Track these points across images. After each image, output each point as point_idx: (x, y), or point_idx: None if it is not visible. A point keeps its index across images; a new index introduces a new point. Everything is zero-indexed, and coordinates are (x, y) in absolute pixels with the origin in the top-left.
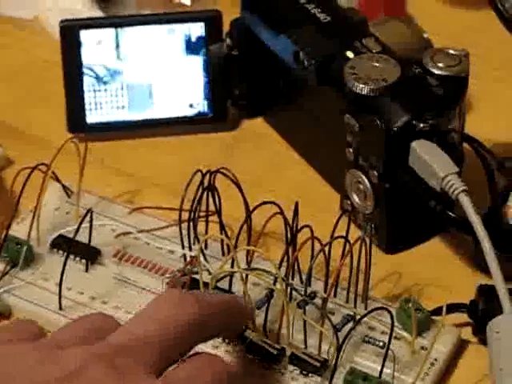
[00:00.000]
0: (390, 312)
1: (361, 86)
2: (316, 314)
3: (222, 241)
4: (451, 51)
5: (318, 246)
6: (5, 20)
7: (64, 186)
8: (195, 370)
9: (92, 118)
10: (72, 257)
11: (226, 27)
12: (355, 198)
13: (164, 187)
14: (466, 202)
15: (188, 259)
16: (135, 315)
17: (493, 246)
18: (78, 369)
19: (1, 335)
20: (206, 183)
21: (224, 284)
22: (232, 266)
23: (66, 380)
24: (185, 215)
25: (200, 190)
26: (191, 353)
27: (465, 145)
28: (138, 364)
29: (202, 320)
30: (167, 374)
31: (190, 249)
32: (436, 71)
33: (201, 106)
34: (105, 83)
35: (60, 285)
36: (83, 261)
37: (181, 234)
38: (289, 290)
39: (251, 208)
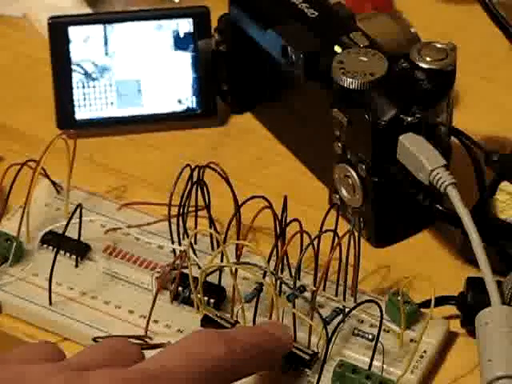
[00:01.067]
0: (378, 305)
1: (348, 80)
2: (305, 307)
3: (212, 235)
4: (438, 45)
5: (306, 240)
6: None
7: (53, 182)
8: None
9: (81, 114)
10: (62, 252)
11: (214, 23)
12: (344, 192)
13: (153, 183)
14: (454, 194)
15: (177, 254)
16: (167, 347)
17: (481, 239)
18: None
19: (23, 355)
20: (195, 178)
21: (214, 278)
22: (221, 261)
23: None
24: (174, 210)
25: (189, 185)
26: None
27: (452, 138)
28: None
29: (230, 364)
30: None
31: (180, 243)
32: (423, 65)
33: (189, 101)
34: (93, 79)
35: (50, 280)
36: (73, 256)
37: (170, 228)
38: (278, 283)
39: (240, 202)
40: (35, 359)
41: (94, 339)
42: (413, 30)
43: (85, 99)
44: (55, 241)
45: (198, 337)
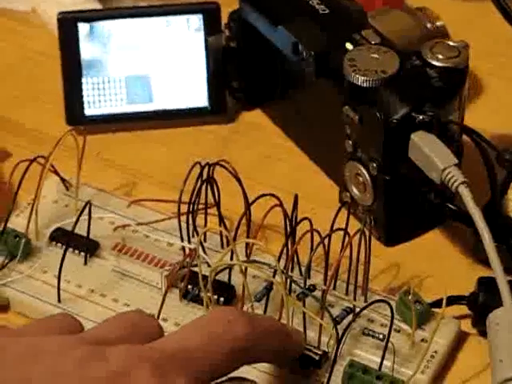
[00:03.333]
0: (389, 304)
1: (360, 77)
2: (315, 306)
3: (221, 233)
4: (450, 43)
5: (317, 239)
6: (1, 12)
7: (62, 179)
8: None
9: (90, 110)
10: (71, 249)
11: (224, 19)
12: (354, 191)
13: (162, 180)
14: (465, 193)
15: (187, 252)
16: (185, 326)
17: (493, 238)
18: (124, 369)
19: (40, 327)
20: (204, 175)
21: (223, 277)
22: (231, 259)
23: (112, 379)
24: (184, 208)
25: (199, 183)
26: (234, 375)
27: (464, 137)
28: (181, 375)
29: (252, 342)
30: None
31: (189, 241)
32: (435, 63)
33: (199, 98)
34: (103, 75)
35: (59, 277)
36: (82, 253)
37: (180, 226)
38: (288, 282)
39: (250, 200)
40: (52, 331)
41: None
42: (439, 24)
43: (94, 95)
44: (64, 238)
45: (219, 314)
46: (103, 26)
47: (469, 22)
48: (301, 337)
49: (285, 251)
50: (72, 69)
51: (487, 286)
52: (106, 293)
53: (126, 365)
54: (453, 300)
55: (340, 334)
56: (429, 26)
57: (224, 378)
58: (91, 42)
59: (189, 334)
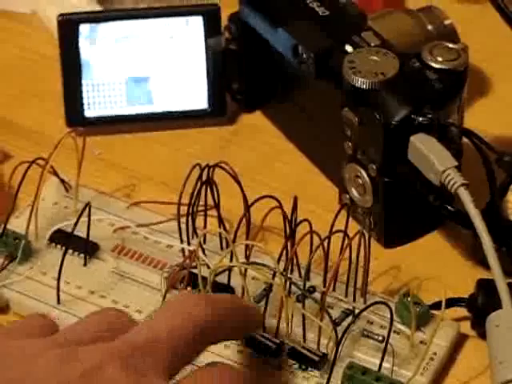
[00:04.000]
0: (389, 306)
1: (360, 79)
2: (315, 308)
3: (221, 235)
4: (450, 45)
5: (316, 241)
6: (1, 14)
7: (62, 181)
8: (208, 379)
9: (90, 112)
10: (70, 251)
11: (224, 21)
12: (354, 193)
13: (162, 181)
14: (465, 195)
15: (187, 253)
16: (154, 314)
17: (492, 240)
18: (95, 367)
19: (15, 330)
20: (204, 177)
21: (223, 278)
22: (231, 260)
23: (84, 378)
24: (183, 209)
25: (198, 184)
26: (206, 362)
27: (464, 139)
28: (151, 365)
29: (214, 323)
30: (180, 381)
31: (189, 243)
32: (435, 65)
33: (199, 100)
34: (103, 77)
35: (58, 279)
36: (81, 255)
37: (179, 228)
38: (288, 284)
39: (249, 202)
40: (25, 334)
41: None
42: (447, 22)
43: (94, 97)
44: (64, 239)
45: (180, 300)
46: (103, 27)
47: (470, 23)
48: (258, 310)
49: (284, 253)
50: (72, 70)
51: (486, 288)
52: (105, 294)
53: (98, 362)
54: (452, 302)
55: (339, 335)
56: (430, 27)
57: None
58: (91, 43)
59: (154, 324)
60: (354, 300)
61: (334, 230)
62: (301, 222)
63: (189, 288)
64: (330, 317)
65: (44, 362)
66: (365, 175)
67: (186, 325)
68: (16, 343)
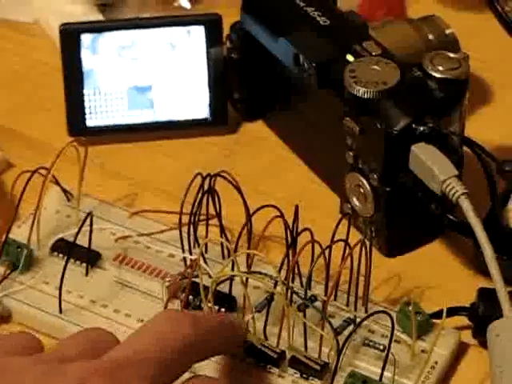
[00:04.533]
0: (390, 315)
1: (361, 89)
2: (316, 317)
3: (223, 244)
4: (451, 54)
5: (318, 250)
6: (4, 24)
7: (64, 190)
8: None
9: (92, 121)
10: (72, 260)
11: (225, 30)
12: (355, 202)
13: (164, 191)
14: (466, 205)
15: (188, 263)
16: (134, 332)
17: (493, 249)
18: (81, 383)
19: (0, 347)
20: (206, 186)
21: (224, 287)
22: (232, 270)
23: None
24: (185, 219)
25: (200, 194)
26: (189, 376)
27: (465, 148)
28: (135, 381)
29: (199, 340)
30: None
31: (191, 252)
32: (436, 74)
33: (201, 109)
34: (105, 86)
35: (60, 288)
36: (83, 264)
37: (181, 237)
38: (289, 293)
39: (251, 211)
40: (12, 351)
41: None
42: (448, 32)
43: (96, 106)
44: (66, 248)
45: (163, 317)
46: (105, 37)
47: (470, 32)
48: (241, 323)
49: (286, 262)
50: (74, 80)
51: (487, 296)
52: (107, 303)
53: (82, 379)
54: (453, 311)
55: (341, 344)
56: (431, 37)
57: (188, 377)
58: (93, 53)
59: (137, 341)
60: (356, 309)
61: (335, 239)
62: (302, 231)
63: (190, 297)
64: (332, 326)
65: (32, 376)
66: (366, 184)
67: (171, 339)
68: (4, 360)
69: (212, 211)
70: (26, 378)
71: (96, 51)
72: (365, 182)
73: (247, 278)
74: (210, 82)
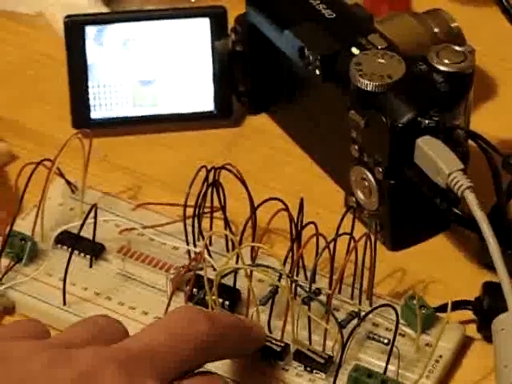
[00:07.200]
0: (394, 309)
1: (366, 82)
2: (321, 310)
3: (227, 237)
4: (457, 48)
5: (322, 243)
6: (7, 15)
7: (68, 182)
8: None
9: (96, 113)
10: (76, 252)
11: (230, 23)
12: (360, 195)
13: (168, 183)
14: (471, 198)
15: (193, 255)
16: (149, 325)
17: (498, 243)
18: (91, 370)
19: (6, 333)
20: (210, 179)
21: (229, 280)
22: (237, 262)
23: (79, 379)
24: (189, 211)
25: (204, 186)
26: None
27: (470, 141)
28: (147, 373)
29: (213, 340)
30: None
31: (195, 245)
32: (441, 68)
33: (205, 102)
34: (109, 79)
35: (64, 280)
36: (87, 256)
37: (185, 230)
38: (293, 286)
39: (255, 204)
40: (19, 337)
41: None
42: (453, 25)
43: (100, 99)
44: (70, 241)
45: (181, 313)
46: (110, 29)
47: (476, 26)
48: (261, 329)
49: (290, 255)
50: (78, 72)
51: (492, 290)
52: (111, 296)
53: (93, 365)
54: (458, 305)
55: (345, 338)
56: (436, 30)
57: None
58: (98, 45)
59: (152, 334)
60: (360, 302)
61: (339, 232)
62: (307, 224)
63: (194, 289)
64: (336, 319)
65: (41, 361)
66: (371, 178)
67: (186, 337)
68: (13, 344)
69: (216, 204)
70: (35, 364)
71: (100, 43)
72: (369, 175)
73: (251, 271)
74: (214, 74)
